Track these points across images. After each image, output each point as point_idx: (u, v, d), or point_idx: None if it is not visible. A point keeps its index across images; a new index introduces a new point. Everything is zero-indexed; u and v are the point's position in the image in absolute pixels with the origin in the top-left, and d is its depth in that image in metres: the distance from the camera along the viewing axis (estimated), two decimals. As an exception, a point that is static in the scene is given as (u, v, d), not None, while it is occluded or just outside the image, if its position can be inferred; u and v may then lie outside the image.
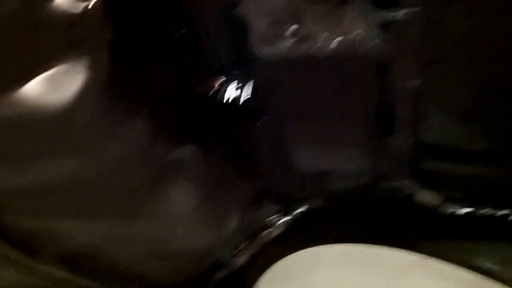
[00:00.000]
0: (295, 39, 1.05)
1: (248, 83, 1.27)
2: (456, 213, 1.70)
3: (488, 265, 1.78)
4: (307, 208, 1.82)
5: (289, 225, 1.82)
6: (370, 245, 1.98)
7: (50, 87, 0.96)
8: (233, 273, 1.89)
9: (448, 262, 1.89)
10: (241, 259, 1.84)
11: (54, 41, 0.94)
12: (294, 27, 1.04)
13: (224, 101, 1.28)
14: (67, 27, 0.92)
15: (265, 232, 1.81)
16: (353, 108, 1.29)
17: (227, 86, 1.27)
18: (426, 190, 1.60)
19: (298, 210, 1.80)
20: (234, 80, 1.27)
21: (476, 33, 1.08)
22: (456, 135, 1.37)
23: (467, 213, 1.69)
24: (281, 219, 1.81)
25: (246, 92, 1.27)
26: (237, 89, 1.27)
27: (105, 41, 0.96)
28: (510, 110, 1.27)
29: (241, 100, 1.28)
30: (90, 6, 0.91)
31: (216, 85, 1.26)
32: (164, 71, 1.14)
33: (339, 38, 1.04)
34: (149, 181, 1.23)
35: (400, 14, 0.99)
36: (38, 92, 0.96)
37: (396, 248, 1.93)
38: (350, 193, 1.71)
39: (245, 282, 1.99)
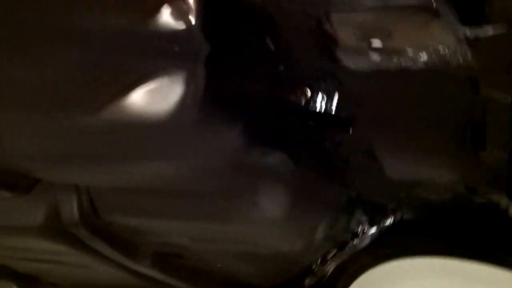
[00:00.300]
0: (385, 53, 1.07)
1: (338, 94, 1.30)
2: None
3: None
4: (397, 219, 1.82)
5: (378, 236, 1.83)
6: (460, 259, 1.95)
7: (154, 96, 1.03)
8: (322, 281, 1.92)
9: (544, 280, 1.84)
10: (330, 268, 1.86)
11: (159, 55, 1.01)
12: (383, 41, 1.06)
13: (315, 111, 1.31)
14: (172, 42, 0.98)
15: (355, 241, 1.83)
16: (445, 120, 1.29)
17: (318, 96, 1.30)
18: (519, 206, 1.58)
19: (388, 221, 1.81)
20: (325, 91, 1.30)
21: None
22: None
23: None
24: (370, 229, 1.82)
25: (336, 103, 1.30)
26: (327, 99, 1.30)
27: (205, 55, 1.02)
28: None
29: (331, 110, 1.31)
30: (193, 23, 0.97)
31: (307, 95, 1.29)
32: (259, 83, 1.19)
33: (428, 52, 1.05)
34: (242, 187, 1.28)
35: (490, 30, 0.99)
36: (143, 101, 1.04)
37: (487, 263, 1.90)
38: (440, 206, 1.70)
39: (334, 289, 2.01)
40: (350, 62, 1.12)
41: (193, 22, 0.97)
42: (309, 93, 1.30)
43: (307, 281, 1.84)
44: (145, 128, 1.08)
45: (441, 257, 1.95)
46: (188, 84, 1.02)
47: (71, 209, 1.56)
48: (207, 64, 1.03)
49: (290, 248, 1.56)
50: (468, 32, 1.00)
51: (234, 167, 1.22)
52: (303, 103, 1.31)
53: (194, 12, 0.97)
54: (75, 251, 1.68)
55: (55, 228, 1.61)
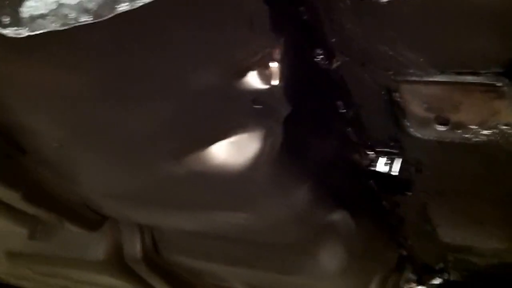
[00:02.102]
0: (449, 126, 1.12)
1: (400, 159, 1.34)
2: None
3: None
4: (444, 280, 1.84)
5: (426, 295, 1.85)
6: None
7: (233, 150, 1.09)
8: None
9: None
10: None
11: (241, 112, 1.08)
12: (449, 114, 1.11)
13: (377, 172, 1.35)
14: (255, 101, 1.05)
15: (404, 299, 1.85)
16: (498, 192, 1.32)
17: (381, 159, 1.35)
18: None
19: (436, 281, 1.82)
20: (388, 154, 1.35)
21: None
22: None
23: None
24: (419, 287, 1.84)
25: (397, 167, 1.34)
26: (389, 163, 1.34)
27: (282, 115, 1.08)
28: None
29: (393, 173, 1.35)
30: (276, 84, 1.03)
31: (372, 157, 1.34)
32: (329, 144, 1.24)
33: (491, 129, 1.09)
34: (305, 241, 1.32)
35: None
36: (222, 153, 1.10)
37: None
38: (489, 270, 1.72)
39: None
40: (417, 131, 1.17)
41: (276, 83, 1.03)
42: (373, 155, 1.35)
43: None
44: (222, 179, 1.14)
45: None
46: (265, 140, 1.07)
47: (134, 246, 1.61)
48: (286, 124, 1.09)
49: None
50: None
51: (300, 222, 1.26)
52: (367, 164, 1.35)
53: (277, 75, 1.04)
54: (134, 287, 1.74)
55: (117, 264, 1.66)
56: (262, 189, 1.17)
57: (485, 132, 1.10)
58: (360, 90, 1.20)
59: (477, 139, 1.11)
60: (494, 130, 1.09)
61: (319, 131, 1.19)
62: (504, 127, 1.08)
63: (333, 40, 1.10)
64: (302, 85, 1.10)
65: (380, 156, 1.35)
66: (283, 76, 1.02)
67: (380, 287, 1.65)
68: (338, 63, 1.15)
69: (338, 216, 1.33)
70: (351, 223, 1.38)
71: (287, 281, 1.46)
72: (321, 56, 1.12)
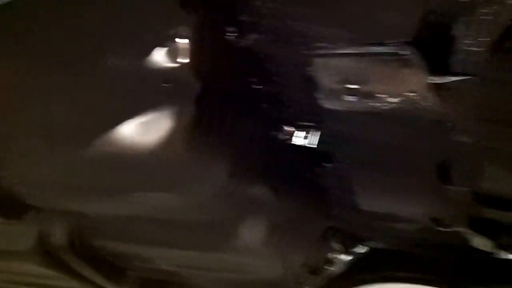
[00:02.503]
0: (359, 96, 1.14)
1: (318, 132, 1.36)
2: (509, 259, 1.73)
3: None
4: (370, 248, 1.88)
5: (352, 263, 1.88)
6: (428, 285, 2.01)
7: (144, 130, 1.08)
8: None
9: (507, 309, 1.90)
10: (307, 292, 1.91)
11: (152, 91, 1.07)
12: (358, 85, 1.13)
13: (296, 146, 1.37)
14: (164, 80, 1.04)
15: (330, 268, 1.88)
16: (415, 159, 1.36)
17: (299, 133, 1.36)
18: (481, 237, 1.64)
19: (362, 250, 1.86)
20: (306, 128, 1.36)
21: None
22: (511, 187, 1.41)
23: (521, 260, 1.72)
24: (345, 257, 1.87)
25: (315, 139, 1.36)
26: (308, 136, 1.36)
27: (194, 93, 1.08)
28: None
29: (311, 146, 1.37)
30: (182, 63, 1.03)
31: (289, 132, 1.35)
32: (244, 119, 1.24)
33: (399, 97, 1.12)
34: (225, 216, 1.32)
35: (454, 79, 1.06)
36: (133, 133, 1.09)
37: (454, 291, 1.96)
38: (410, 236, 1.77)
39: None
40: (328, 102, 1.18)
41: (185, 62, 1.03)
42: (291, 130, 1.36)
43: (284, 306, 1.87)
44: (137, 160, 1.13)
45: (414, 285, 2.00)
46: (178, 119, 1.07)
47: (59, 234, 1.59)
48: (198, 102, 1.08)
49: (269, 275, 1.60)
50: (436, 79, 1.07)
51: (221, 199, 1.26)
52: (285, 138, 1.36)
53: (187, 53, 1.03)
54: (62, 276, 1.71)
55: (44, 253, 1.63)
56: (178, 168, 1.16)
57: (393, 100, 1.12)
58: (274, 66, 1.21)
59: (386, 107, 1.13)
60: (402, 98, 1.12)
61: (234, 108, 1.19)
62: (410, 94, 1.10)
63: (244, 17, 1.10)
64: (213, 63, 1.09)
65: (298, 130, 1.36)
66: (192, 54, 1.01)
67: (306, 258, 1.67)
68: (250, 40, 1.15)
69: (259, 191, 1.34)
70: (272, 196, 1.39)
71: (212, 259, 1.47)
72: (233, 34, 1.12)
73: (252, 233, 1.43)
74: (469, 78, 1.05)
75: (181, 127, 1.07)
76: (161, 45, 1.02)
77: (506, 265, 1.78)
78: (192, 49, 1.02)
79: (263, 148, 1.31)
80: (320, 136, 1.36)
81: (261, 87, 1.22)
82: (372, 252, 1.88)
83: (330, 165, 1.45)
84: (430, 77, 1.07)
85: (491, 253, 1.72)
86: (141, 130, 1.08)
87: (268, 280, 1.64)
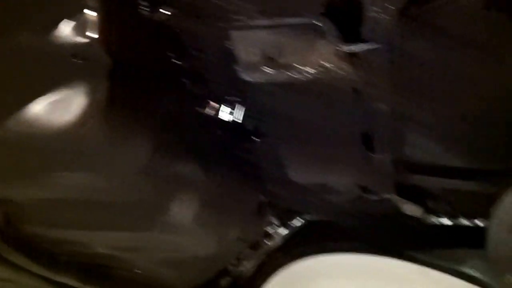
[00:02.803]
0: (277, 68, 1.14)
1: (242, 106, 1.36)
2: (439, 224, 1.77)
3: (474, 273, 1.84)
4: (306, 221, 1.90)
5: (289, 236, 1.90)
6: (370, 256, 2.04)
7: (56, 109, 1.05)
8: (237, 280, 1.97)
9: (442, 271, 1.95)
10: (245, 268, 1.92)
11: (60, 68, 1.04)
12: (275, 56, 1.13)
13: (222, 122, 1.37)
14: (73, 55, 1.01)
15: (267, 242, 1.89)
16: (339, 129, 1.37)
17: (225, 108, 1.36)
18: (410, 203, 1.67)
19: (298, 223, 1.88)
20: (231, 103, 1.36)
21: (442, 64, 1.15)
22: (434, 153, 1.44)
23: (449, 224, 1.76)
24: (282, 230, 1.89)
25: (241, 114, 1.36)
26: (234, 111, 1.36)
27: (106, 69, 1.05)
28: (481, 132, 1.34)
29: (239, 121, 1.37)
30: (92, 38, 1.00)
31: (214, 108, 1.35)
32: (164, 95, 1.23)
33: (315, 67, 1.13)
34: (153, 194, 1.31)
35: (365, 47, 1.07)
36: (45, 112, 1.06)
37: (394, 258, 2.00)
38: (344, 207, 1.79)
39: (251, 288, 2.07)
40: (248, 75, 1.18)
41: (95, 36, 1.01)
42: (216, 105, 1.36)
43: (223, 282, 1.88)
44: (52, 139, 1.10)
45: (352, 254, 2.04)
46: (90, 96, 1.05)
47: (-14, 223, 1.55)
48: (111, 78, 1.06)
49: (205, 251, 1.60)
50: (347, 48, 1.08)
51: (146, 177, 1.25)
52: (211, 114, 1.36)
53: (96, 27, 1.01)
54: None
55: None
56: (97, 147, 1.14)
57: (310, 70, 1.13)
58: (191, 41, 1.20)
59: (304, 78, 1.14)
60: (318, 68, 1.12)
61: (153, 84, 1.18)
62: (326, 64, 1.11)
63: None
64: (126, 37, 1.07)
65: (224, 105, 1.36)
66: (102, 28, 0.99)
67: (240, 232, 1.67)
68: (165, 14, 1.13)
69: (185, 167, 1.34)
70: (201, 173, 1.38)
71: (146, 239, 1.45)
72: (146, 7, 1.10)
73: (183, 210, 1.42)
74: (379, 46, 1.06)
75: (95, 104, 1.05)
76: (69, 17, 0.99)
77: (437, 231, 1.83)
78: (102, 23, 0.99)
79: (187, 124, 1.31)
80: (245, 110, 1.36)
81: (180, 62, 1.21)
82: (308, 224, 1.90)
83: (258, 139, 1.45)
84: (343, 46, 1.08)
85: (421, 219, 1.76)
86: (55, 108, 1.05)
87: (205, 256, 1.64)
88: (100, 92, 1.05)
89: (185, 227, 1.46)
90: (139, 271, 1.61)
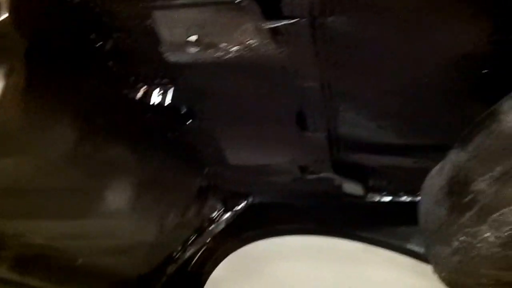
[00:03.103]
0: (202, 47, 1.12)
1: (171, 88, 1.33)
2: (381, 201, 1.78)
3: (419, 249, 1.86)
4: (250, 204, 1.89)
5: (234, 220, 1.89)
6: (318, 236, 2.05)
7: None
8: (185, 266, 1.96)
9: (387, 249, 1.96)
10: (191, 253, 1.90)
11: None
12: (199, 36, 1.11)
13: (153, 104, 1.34)
14: None
15: (212, 226, 1.88)
16: (272, 108, 1.36)
17: (154, 90, 1.34)
18: (350, 182, 1.68)
19: (241, 205, 1.87)
20: (160, 85, 1.34)
21: (369, 39, 1.14)
22: (368, 130, 1.44)
23: (390, 201, 1.77)
24: (225, 214, 1.88)
25: (170, 96, 1.33)
26: (163, 93, 1.34)
27: (21, 51, 1.02)
28: (414, 106, 1.34)
29: (168, 103, 1.34)
30: (5, 18, 0.97)
31: (143, 90, 1.32)
32: (87, 78, 1.20)
33: (239, 44, 1.11)
34: (85, 180, 1.28)
35: (286, 23, 1.06)
36: None
37: (341, 238, 2.01)
38: (285, 188, 1.78)
39: (199, 275, 2.05)
40: (172, 56, 1.16)
41: (4, 17, 0.97)
42: (145, 88, 1.33)
43: (169, 268, 1.86)
44: None
45: (300, 235, 2.04)
46: (6, 79, 1.01)
47: None
48: (27, 59, 1.03)
49: (147, 238, 1.58)
50: (269, 24, 1.07)
51: (70, 161, 1.22)
52: (140, 97, 1.33)
53: (6, 6, 0.97)
54: None
55: None
56: (17, 131, 1.11)
57: (234, 48, 1.11)
58: (114, 21, 1.17)
59: (229, 57, 1.12)
60: (242, 46, 1.11)
61: (73, 66, 1.15)
62: (250, 41, 1.10)
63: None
64: (40, 17, 1.04)
65: (153, 88, 1.34)
66: (12, 8, 0.96)
67: (182, 217, 1.66)
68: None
69: (116, 152, 1.31)
70: (134, 157, 1.36)
71: (82, 226, 1.42)
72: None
73: (118, 196, 1.39)
74: (299, 21, 1.05)
75: (12, 86, 1.01)
76: None
77: (379, 208, 1.84)
78: (11, 3, 0.96)
79: (115, 108, 1.28)
80: (176, 92, 1.34)
81: (104, 44, 1.18)
82: (253, 207, 1.89)
83: (191, 121, 1.43)
84: (264, 23, 1.06)
85: (363, 197, 1.77)
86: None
87: (147, 243, 1.62)
88: (16, 74, 1.01)
89: (122, 212, 1.44)
90: (79, 260, 1.57)
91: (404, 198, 1.77)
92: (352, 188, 1.72)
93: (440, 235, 1.14)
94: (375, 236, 1.91)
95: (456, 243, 1.08)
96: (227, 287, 2.53)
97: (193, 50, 1.13)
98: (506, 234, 0.97)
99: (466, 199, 1.03)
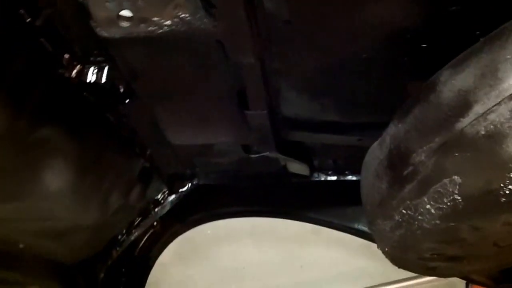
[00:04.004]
0: (134, 22, 1.06)
1: (106, 66, 1.27)
2: (327, 180, 1.75)
3: (365, 229, 1.85)
4: (195, 186, 1.84)
5: (179, 202, 1.84)
6: (265, 217, 2.02)
7: None
8: (131, 249, 1.91)
9: (336, 229, 1.94)
10: (137, 236, 1.85)
11: None
12: (131, 10, 1.05)
13: (88, 83, 1.28)
14: None
15: (157, 209, 1.83)
16: (211, 85, 1.31)
17: (89, 69, 1.28)
18: (295, 161, 1.65)
19: (186, 187, 1.82)
20: (95, 64, 1.28)
21: (302, 14, 1.11)
22: (310, 109, 1.41)
23: (336, 180, 1.75)
24: (170, 196, 1.83)
25: (107, 75, 1.27)
26: (98, 72, 1.28)
27: None
28: (355, 83, 1.31)
29: (104, 82, 1.28)
30: None
31: (77, 69, 1.26)
32: (20, 56, 1.13)
33: (170, 20, 1.06)
34: (17, 160, 1.22)
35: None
36: None
37: (288, 219, 1.98)
38: (230, 169, 1.74)
39: (146, 258, 2.00)
40: (104, 31, 1.10)
41: None
42: (79, 66, 1.27)
43: (114, 252, 1.81)
44: None
45: (248, 217, 2.01)
46: None
47: None
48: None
49: (85, 219, 1.52)
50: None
51: (7, 143, 1.15)
52: (75, 76, 1.27)
53: None
54: None
55: None
56: None
57: (167, 22, 1.06)
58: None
59: (161, 31, 1.07)
60: (175, 19, 1.06)
61: (2, 43, 1.08)
62: (183, 15, 1.05)
63: None
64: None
65: (88, 66, 1.28)
66: None
67: (124, 199, 1.60)
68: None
69: (51, 131, 1.25)
70: (69, 138, 1.30)
71: (20, 207, 1.35)
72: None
73: (54, 177, 1.33)
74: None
75: None
76: None
77: (325, 188, 1.81)
78: None
79: (48, 87, 1.21)
80: (111, 70, 1.28)
81: (34, 19, 1.11)
82: (198, 189, 1.84)
83: (130, 101, 1.37)
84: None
85: (308, 177, 1.74)
86: None
87: (89, 226, 1.56)
88: None
89: (60, 194, 1.38)
90: (19, 245, 1.51)
91: (350, 177, 1.75)
92: (297, 167, 1.69)
93: (382, 210, 1.11)
94: (323, 216, 1.89)
95: (397, 217, 1.06)
96: (175, 271, 2.50)
97: (125, 24, 1.08)
98: (446, 205, 0.95)
99: (406, 171, 1.01)
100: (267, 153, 1.55)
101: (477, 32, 1.02)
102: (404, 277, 2.31)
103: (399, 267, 1.29)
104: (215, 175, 1.80)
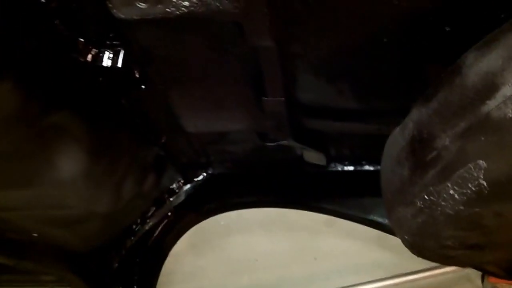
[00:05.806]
0: (149, 2, 1.04)
1: (124, 50, 1.25)
2: (344, 170, 1.72)
3: (384, 220, 1.81)
4: (210, 175, 1.81)
5: (194, 191, 1.81)
6: (280, 208, 1.98)
7: None
8: (145, 239, 1.88)
9: (350, 220, 1.91)
10: (151, 226, 1.82)
11: None
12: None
13: (103, 68, 1.25)
14: None
15: (172, 198, 1.80)
16: (226, 70, 1.28)
17: (105, 53, 1.25)
18: (311, 150, 1.61)
19: (201, 177, 1.80)
20: (110, 47, 1.25)
21: None
22: (327, 96, 1.37)
23: (353, 170, 1.71)
24: (185, 185, 1.80)
25: (121, 60, 1.25)
26: (113, 57, 1.25)
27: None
28: (374, 67, 1.27)
29: (120, 68, 1.26)
30: None
31: (93, 53, 1.23)
32: (32, 37, 1.10)
33: (187, 1, 1.02)
34: (29, 145, 1.19)
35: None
36: None
37: (303, 209, 1.95)
38: (245, 158, 1.71)
39: (160, 249, 1.98)
40: (120, 12, 1.07)
41: None
42: (95, 50, 1.24)
43: (128, 242, 1.78)
44: None
45: (263, 208, 1.97)
46: None
47: None
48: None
49: (98, 207, 1.49)
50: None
51: (13, 124, 1.12)
52: (91, 60, 1.24)
53: None
54: None
55: None
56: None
57: (185, 3, 1.03)
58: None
59: (179, 12, 1.04)
60: (194, 0, 1.03)
61: (16, 25, 1.05)
62: (200, -5, 1.02)
63: None
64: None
65: (103, 50, 1.25)
66: None
67: (138, 187, 1.57)
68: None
69: (64, 117, 1.22)
70: (83, 123, 1.27)
71: (33, 195, 1.33)
72: None
73: (66, 163, 1.30)
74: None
75: None
76: None
77: (342, 178, 1.78)
78: None
79: (62, 71, 1.18)
80: (127, 55, 1.25)
81: (49, 1, 1.09)
82: (212, 178, 1.81)
83: (145, 87, 1.34)
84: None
85: (324, 167, 1.71)
86: None
87: (102, 214, 1.54)
88: None
89: (73, 181, 1.35)
90: (33, 233, 1.48)
91: (367, 167, 1.71)
92: (313, 157, 1.66)
93: (403, 196, 1.08)
94: (337, 207, 1.85)
95: (419, 203, 1.03)
96: (188, 262, 2.47)
97: (142, 5, 1.05)
98: (471, 190, 0.91)
99: (429, 157, 0.97)
100: (283, 141, 1.51)
101: (502, 15, 0.99)
102: (418, 268, 2.27)
103: (418, 255, 1.26)
104: (230, 164, 1.77)
